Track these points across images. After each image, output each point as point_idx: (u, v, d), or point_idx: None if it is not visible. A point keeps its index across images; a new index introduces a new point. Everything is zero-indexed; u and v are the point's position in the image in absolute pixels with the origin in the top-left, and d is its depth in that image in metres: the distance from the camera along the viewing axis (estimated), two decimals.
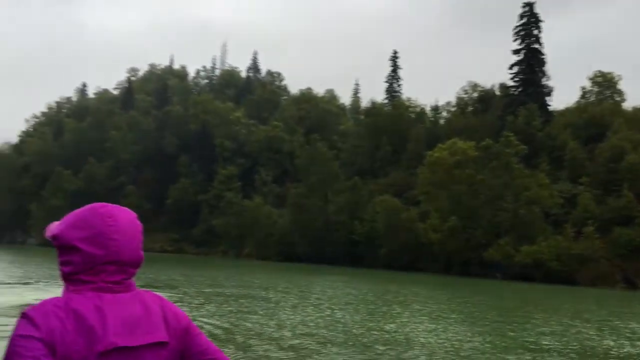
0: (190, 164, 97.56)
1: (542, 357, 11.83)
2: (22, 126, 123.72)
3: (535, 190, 54.67)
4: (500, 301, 28.18)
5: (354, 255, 65.26)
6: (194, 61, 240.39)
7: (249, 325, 13.74)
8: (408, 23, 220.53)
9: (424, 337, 13.12)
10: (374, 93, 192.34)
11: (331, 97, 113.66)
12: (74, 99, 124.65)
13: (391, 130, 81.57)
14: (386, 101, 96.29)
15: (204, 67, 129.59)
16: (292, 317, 16.14)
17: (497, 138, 60.98)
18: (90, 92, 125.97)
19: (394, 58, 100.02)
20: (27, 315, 1.44)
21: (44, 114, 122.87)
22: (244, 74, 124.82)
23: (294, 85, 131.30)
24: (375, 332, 13.35)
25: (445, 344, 12.45)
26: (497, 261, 53.98)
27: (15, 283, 21.00)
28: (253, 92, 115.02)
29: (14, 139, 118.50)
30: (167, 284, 24.07)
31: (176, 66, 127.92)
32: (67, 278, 1.55)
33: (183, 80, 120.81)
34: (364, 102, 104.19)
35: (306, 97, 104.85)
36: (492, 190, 56.81)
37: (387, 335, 13.02)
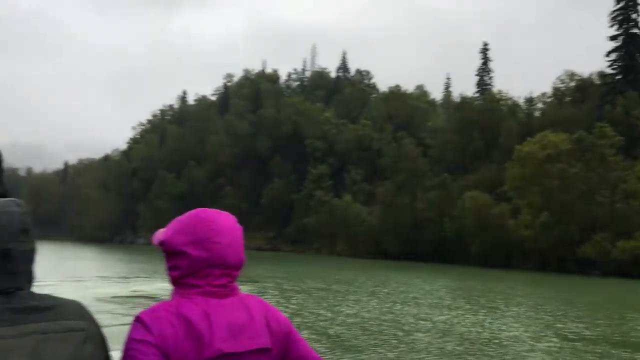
0: (283, 164, 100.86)
1: None
2: (130, 134, 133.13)
3: (633, 182, 51.93)
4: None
5: (444, 252, 65.01)
6: (285, 64, 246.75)
7: (306, 314, 14.89)
8: (497, 13, 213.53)
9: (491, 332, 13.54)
10: (465, 87, 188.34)
11: (421, 93, 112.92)
12: (176, 106, 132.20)
13: (482, 124, 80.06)
14: (477, 95, 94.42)
15: (295, 69, 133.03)
16: (349, 309, 17.14)
17: (593, 129, 58.42)
18: (191, 99, 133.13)
19: (484, 50, 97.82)
20: (140, 320, 1.51)
21: (149, 121, 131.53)
22: (333, 75, 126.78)
23: (384, 83, 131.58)
24: (411, 321, 14.02)
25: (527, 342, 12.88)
26: (592, 258, 51.89)
27: (118, 277, 23.59)
28: (342, 91, 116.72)
29: (123, 146, 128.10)
30: (251, 278, 25.80)
31: (268, 70, 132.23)
32: (176, 282, 1.63)
33: (275, 83, 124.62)
34: (455, 97, 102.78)
35: (395, 94, 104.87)
36: (586, 184, 54.56)
37: (429, 325, 13.64)
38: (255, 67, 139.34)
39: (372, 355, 10.40)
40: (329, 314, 15.47)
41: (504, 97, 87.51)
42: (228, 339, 1.51)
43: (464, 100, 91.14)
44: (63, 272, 25.72)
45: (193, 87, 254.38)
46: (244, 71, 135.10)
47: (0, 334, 1.25)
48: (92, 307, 1.28)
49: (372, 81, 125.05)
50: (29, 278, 1.39)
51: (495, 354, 11.07)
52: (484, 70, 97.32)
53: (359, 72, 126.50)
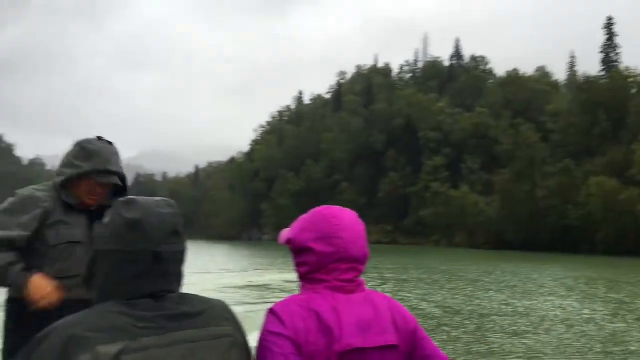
0: (397, 157, 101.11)
1: None
2: (252, 136, 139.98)
3: None
4: None
5: (568, 241, 62.03)
6: (397, 57, 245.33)
7: (412, 301, 15.66)
8: None
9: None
10: (588, 66, 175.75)
11: (542, 75, 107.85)
12: (292, 106, 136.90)
13: (608, 104, 75.04)
14: (602, 73, 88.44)
15: (407, 61, 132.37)
16: (435, 295, 17.65)
17: None
18: (306, 99, 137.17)
19: (609, 25, 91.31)
20: (275, 312, 1.56)
21: (268, 123, 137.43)
22: (447, 63, 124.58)
23: (500, 68, 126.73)
24: (485, 307, 14.16)
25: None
26: None
27: (238, 271, 25.87)
28: (457, 80, 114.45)
29: (247, 148, 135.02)
30: (369, 272, 26.78)
31: (380, 64, 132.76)
32: (304, 277, 1.68)
33: (387, 77, 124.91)
34: (580, 76, 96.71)
35: (512, 78, 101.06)
36: None
37: (536, 315, 13.74)
38: (368, 62, 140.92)
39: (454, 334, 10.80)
40: (414, 300, 16.19)
41: (632, 74, 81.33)
42: (357, 334, 1.54)
43: (588, 79, 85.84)
44: (192, 266, 28.49)
45: (309, 86, 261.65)
46: (356, 67, 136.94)
47: (153, 343, 1.29)
48: (212, 295, 1.50)
49: (488, 67, 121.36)
50: (178, 279, 1.44)
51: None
52: (609, 46, 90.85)
53: (473, 58, 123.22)
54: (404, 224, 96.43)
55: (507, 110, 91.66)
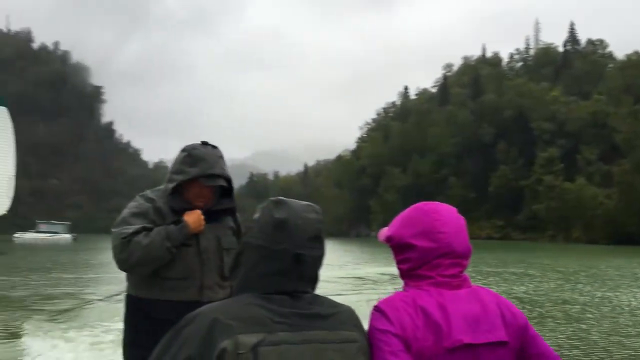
0: (508, 150, 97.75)
1: None
2: (358, 133, 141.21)
3: None
4: None
5: None
6: (507, 45, 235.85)
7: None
8: None
9: None
10: None
11: None
12: (398, 102, 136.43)
13: None
14: None
15: (517, 49, 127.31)
16: (513, 289, 17.34)
17: None
18: (412, 94, 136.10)
19: None
20: (380, 309, 1.55)
21: (373, 120, 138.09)
22: (561, 49, 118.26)
23: (621, 51, 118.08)
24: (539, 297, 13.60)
25: None
26: None
27: (338, 264, 26.75)
28: (572, 66, 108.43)
29: (353, 145, 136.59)
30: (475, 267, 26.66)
31: (489, 54, 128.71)
32: (406, 274, 1.66)
33: (496, 67, 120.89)
34: None
35: (633, 61, 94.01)
36: None
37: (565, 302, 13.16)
38: (475, 53, 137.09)
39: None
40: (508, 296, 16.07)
41: None
42: (466, 330, 1.52)
43: None
44: None
45: (414, 81, 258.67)
46: (462, 59, 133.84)
47: (286, 339, 1.35)
48: None
49: (607, 50, 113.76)
50: (314, 282, 1.50)
51: None
52: None
53: (590, 42, 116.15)
54: (517, 219, 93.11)
55: (627, 96, 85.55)
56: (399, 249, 1.67)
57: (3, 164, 17.14)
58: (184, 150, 2.81)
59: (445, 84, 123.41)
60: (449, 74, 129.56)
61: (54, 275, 20.39)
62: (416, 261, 1.62)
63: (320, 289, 1.51)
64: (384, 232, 1.73)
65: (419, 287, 1.60)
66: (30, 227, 69.00)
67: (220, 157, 2.82)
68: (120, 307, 2.99)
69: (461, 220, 1.68)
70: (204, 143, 2.83)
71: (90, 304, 11.80)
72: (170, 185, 2.76)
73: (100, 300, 11.65)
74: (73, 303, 12.64)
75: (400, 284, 1.67)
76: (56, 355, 7.20)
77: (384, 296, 1.60)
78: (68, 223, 75.50)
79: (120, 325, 2.88)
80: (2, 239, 51.28)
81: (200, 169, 2.71)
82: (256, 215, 1.49)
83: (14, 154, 17.75)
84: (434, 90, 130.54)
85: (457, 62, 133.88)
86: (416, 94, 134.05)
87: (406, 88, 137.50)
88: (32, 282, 18.01)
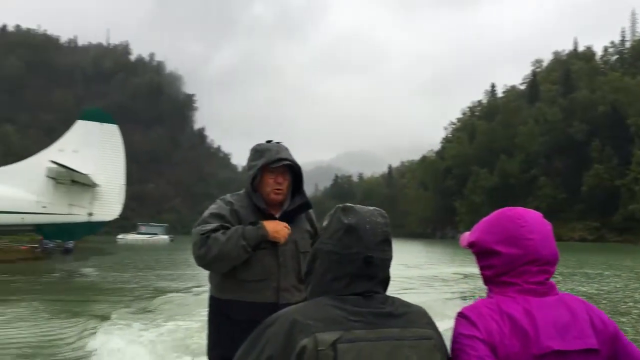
0: (602, 148, 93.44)
1: None
2: (442, 133, 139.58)
3: None
4: None
5: None
6: (601, 39, 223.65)
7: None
8: None
9: None
10: None
11: None
12: (484, 101, 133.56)
13: None
14: None
15: (612, 42, 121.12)
16: (576, 287, 17.31)
17: None
18: (499, 92, 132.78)
19: None
20: (465, 316, 1.54)
21: (459, 119, 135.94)
22: None
23: None
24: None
25: None
26: None
27: (413, 265, 27.48)
28: None
29: (438, 146, 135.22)
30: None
31: (581, 48, 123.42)
32: (490, 281, 1.64)
33: (589, 61, 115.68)
34: None
35: None
36: None
37: None
38: (566, 47, 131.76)
39: None
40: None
41: None
42: (555, 337, 1.49)
43: None
44: None
45: (501, 79, 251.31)
46: (553, 54, 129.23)
47: (362, 336, 1.40)
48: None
49: None
50: (384, 283, 1.55)
51: None
52: None
53: None
54: (612, 220, 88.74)
55: None
56: (482, 255, 1.67)
57: (115, 175, 19.47)
58: (251, 149, 2.99)
59: (535, 80, 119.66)
60: (538, 70, 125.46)
61: (157, 272, 22.78)
62: (501, 267, 1.61)
63: (391, 286, 1.58)
64: (466, 237, 1.75)
65: (504, 293, 1.59)
66: (131, 229, 74.17)
67: (285, 148, 2.95)
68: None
69: (548, 226, 1.66)
70: (269, 141, 3.01)
71: (189, 294, 13.57)
72: (248, 183, 2.90)
73: (196, 295, 13.44)
74: (176, 295, 14.52)
75: (469, 284, 2.29)
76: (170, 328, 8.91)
77: (452, 295, 2.18)
78: (166, 225, 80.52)
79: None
80: (107, 240, 55.85)
81: (266, 158, 2.86)
82: (325, 223, 1.59)
83: (123, 166, 20.09)
84: (522, 87, 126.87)
85: (547, 58, 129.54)
86: (503, 92, 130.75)
87: (493, 86, 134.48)
88: (140, 277, 20.40)
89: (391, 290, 1.55)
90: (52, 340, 8.82)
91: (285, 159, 2.86)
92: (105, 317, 10.74)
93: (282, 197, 2.91)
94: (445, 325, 1.64)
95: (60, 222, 18.49)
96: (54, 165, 18.23)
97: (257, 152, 2.92)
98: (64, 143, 19.45)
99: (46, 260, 27.48)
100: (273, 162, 2.83)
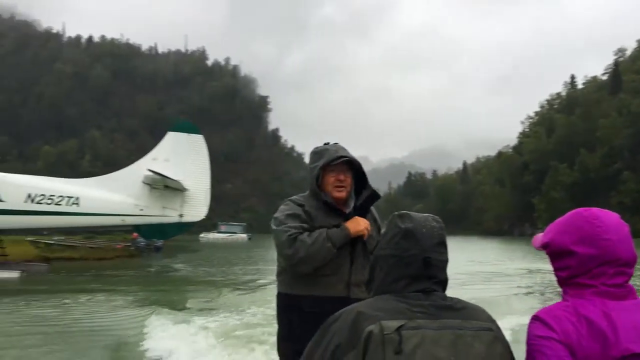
0: None
1: None
2: (519, 128, 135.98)
3: None
4: None
5: None
6: None
7: None
8: None
9: None
10: None
11: None
12: (563, 93, 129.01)
13: None
14: None
15: None
16: None
17: None
18: (580, 83, 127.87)
19: None
20: (540, 318, 1.54)
21: (536, 113, 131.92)
22: None
23: None
24: None
25: None
26: None
27: (479, 261, 27.72)
28: None
29: (514, 141, 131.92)
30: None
31: None
32: (565, 282, 1.62)
33: None
34: None
35: None
36: None
37: None
38: None
39: None
40: None
41: None
42: (636, 339, 1.46)
43: None
44: None
45: (581, 70, 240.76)
46: (637, 42, 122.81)
47: (425, 325, 1.47)
48: None
49: None
50: (442, 283, 1.62)
51: None
52: None
53: None
54: None
55: None
56: (557, 255, 1.66)
57: (201, 180, 21.55)
58: (311, 152, 3.12)
59: (617, 70, 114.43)
60: (621, 59, 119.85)
61: (240, 267, 24.71)
62: (576, 269, 1.59)
63: (454, 280, 1.68)
64: (540, 238, 1.73)
65: (581, 296, 1.57)
66: (212, 228, 77.50)
67: (342, 148, 3.05)
68: None
69: (625, 227, 1.63)
70: (326, 143, 3.11)
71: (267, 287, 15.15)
72: (314, 184, 2.99)
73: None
74: (256, 285, 16.09)
75: (533, 279, 2.64)
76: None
77: (515, 290, 2.52)
78: (244, 224, 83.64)
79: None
80: (191, 238, 59.09)
81: (326, 158, 2.96)
82: (383, 230, 1.69)
83: (208, 172, 22.17)
84: (604, 78, 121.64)
85: (630, 46, 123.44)
86: (584, 83, 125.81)
87: (572, 77, 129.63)
88: (224, 271, 22.38)
89: (453, 284, 1.64)
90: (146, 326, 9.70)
91: (344, 156, 2.96)
92: (187, 308, 11.87)
93: (345, 194, 3.01)
94: (512, 321, 2.09)
95: (155, 223, 20.74)
96: (150, 173, 20.49)
97: (317, 154, 3.04)
98: (156, 153, 21.75)
99: (140, 258, 30.40)
100: (332, 160, 2.94)
